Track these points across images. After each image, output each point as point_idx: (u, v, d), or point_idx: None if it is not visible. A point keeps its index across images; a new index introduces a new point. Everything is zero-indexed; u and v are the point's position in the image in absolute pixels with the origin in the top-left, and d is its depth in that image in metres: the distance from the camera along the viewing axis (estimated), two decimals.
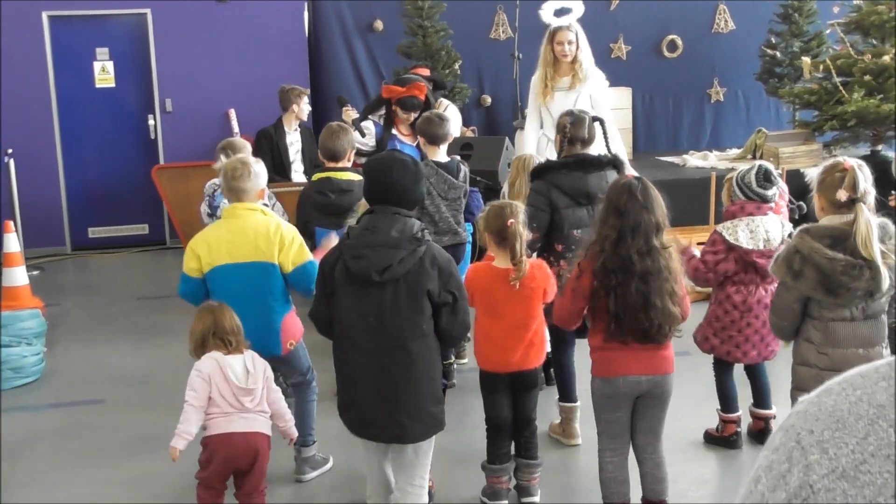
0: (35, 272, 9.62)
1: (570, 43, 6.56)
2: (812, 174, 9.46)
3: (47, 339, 7.06)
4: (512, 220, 4.17)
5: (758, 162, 5.07)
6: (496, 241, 4.25)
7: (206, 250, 4.40)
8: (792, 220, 5.12)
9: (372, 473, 3.96)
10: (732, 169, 9.21)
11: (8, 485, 4.87)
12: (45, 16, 10.32)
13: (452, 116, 8.84)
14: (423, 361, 3.68)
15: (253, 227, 4.41)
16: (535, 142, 7.00)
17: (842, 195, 3.76)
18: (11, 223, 7.83)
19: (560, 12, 7.04)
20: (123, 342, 7.15)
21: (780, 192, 4.98)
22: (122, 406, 5.88)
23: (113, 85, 10.55)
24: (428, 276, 3.61)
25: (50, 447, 5.35)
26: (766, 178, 4.78)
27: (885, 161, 9.03)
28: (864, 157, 9.35)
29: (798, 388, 3.96)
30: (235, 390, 3.98)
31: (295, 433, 4.31)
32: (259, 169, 4.51)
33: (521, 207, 4.32)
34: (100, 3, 10.42)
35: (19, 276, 7.59)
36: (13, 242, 7.64)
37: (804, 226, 3.94)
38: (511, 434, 4.41)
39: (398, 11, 10.60)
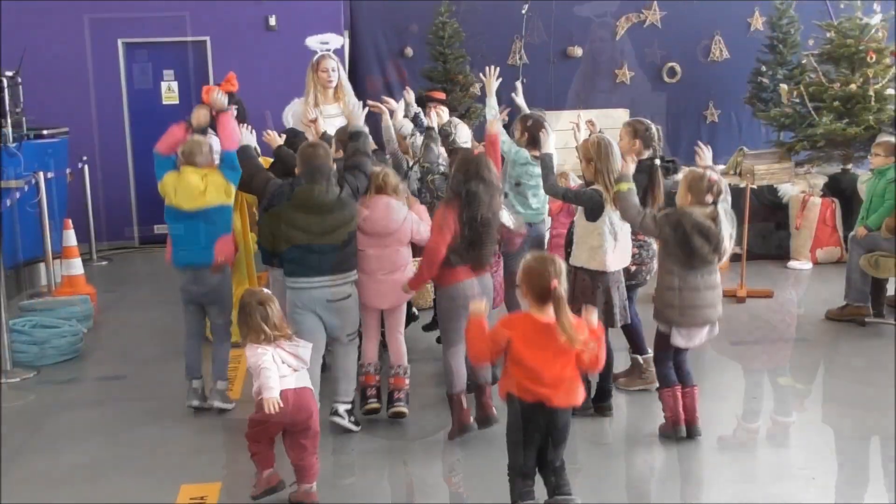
0: (103, 263, 9.94)
1: (333, 70, 6.78)
2: (784, 189, 9.29)
3: (95, 322, 7.30)
4: (556, 283, 3.57)
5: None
6: (535, 300, 3.66)
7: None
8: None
9: None
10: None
11: (26, 448, 4.96)
12: (120, 42, 10.63)
13: (462, 134, 8.92)
14: None
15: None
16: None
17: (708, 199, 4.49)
18: (70, 221, 8.09)
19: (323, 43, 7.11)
20: (159, 326, 7.25)
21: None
22: (141, 383, 5.98)
23: (177, 102, 10.79)
24: None
25: (72, 416, 5.44)
26: None
27: (853, 179, 8.85)
28: (835, 175, 9.19)
29: None
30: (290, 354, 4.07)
31: None
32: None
33: (563, 265, 3.70)
34: (167, 31, 10.70)
35: (76, 266, 7.85)
36: (72, 237, 7.89)
37: None
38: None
39: (425, 40, 10.69)
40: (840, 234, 8.66)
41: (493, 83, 5.96)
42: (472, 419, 4.76)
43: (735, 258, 8.04)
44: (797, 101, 9.23)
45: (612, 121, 10.11)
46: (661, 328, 4.70)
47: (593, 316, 3.73)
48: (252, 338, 4.06)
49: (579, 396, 3.75)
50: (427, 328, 6.50)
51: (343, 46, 10.84)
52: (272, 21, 10.79)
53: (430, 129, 6.20)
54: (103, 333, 7.17)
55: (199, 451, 4.77)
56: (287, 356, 4.07)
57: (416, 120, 6.93)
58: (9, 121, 8.07)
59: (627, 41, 11.22)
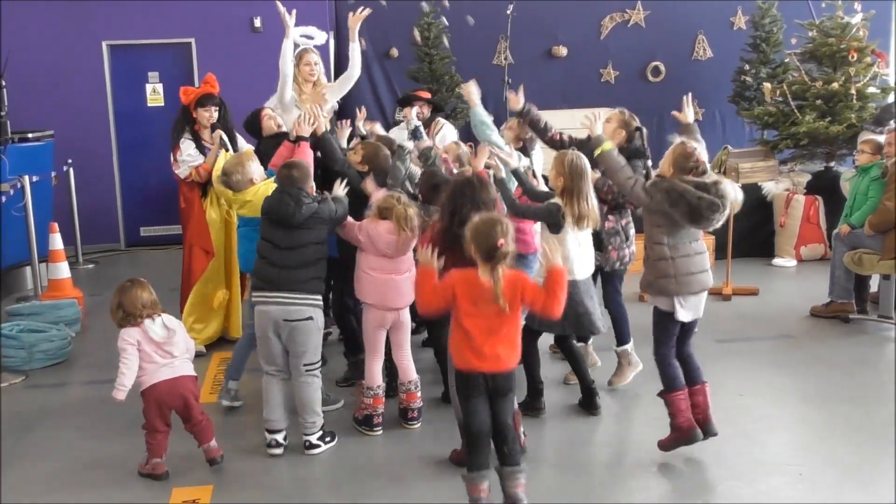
0: (90, 266, 9.91)
1: (315, 64, 6.75)
2: (768, 187, 9.36)
3: (83, 326, 7.27)
4: (502, 241, 3.71)
5: None
6: (483, 258, 3.76)
7: None
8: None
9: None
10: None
11: (16, 453, 4.95)
12: (104, 44, 10.60)
13: (448, 134, 8.95)
14: None
15: None
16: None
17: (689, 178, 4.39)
18: (56, 225, 8.07)
19: (305, 37, 7.13)
20: None
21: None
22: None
23: (162, 104, 10.79)
24: None
25: (61, 419, 5.45)
26: None
27: (836, 177, 8.93)
28: (818, 173, 9.27)
29: None
30: (159, 346, 4.43)
31: None
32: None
33: (511, 225, 3.82)
34: (151, 33, 10.68)
35: (63, 270, 7.83)
36: (58, 241, 7.87)
37: None
38: (489, 440, 3.93)
39: (411, 40, 10.71)
40: (824, 231, 8.74)
41: (473, 90, 5.94)
42: None
43: (720, 256, 8.12)
44: (780, 99, 9.31)
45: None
46: (660, 307, 4.54)
47: (557, 256, 3.85)
48: (124, 321, 4.48)
49: (515, 359, 3.89)
50: (426, 343, 6.39)
51: (328, 45, 10.87)
52: (257, 23, 10.78)
53: (401, 146, 5.64)
54: (91, 337, 7.14)
55: (191, 454, 4.75)
56: (159, 349, 4.44)
57: (415, 133, 6.65)
58: None
59: (613, 39, 11.27)
